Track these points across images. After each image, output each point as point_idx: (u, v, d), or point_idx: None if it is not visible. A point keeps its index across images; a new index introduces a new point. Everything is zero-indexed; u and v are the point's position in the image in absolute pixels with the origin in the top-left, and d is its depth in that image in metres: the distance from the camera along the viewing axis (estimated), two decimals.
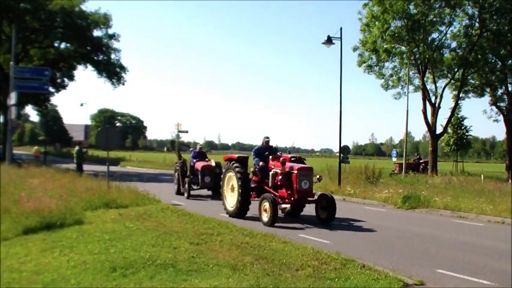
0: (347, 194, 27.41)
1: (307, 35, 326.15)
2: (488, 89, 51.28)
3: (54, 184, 20.52)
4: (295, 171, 17.27)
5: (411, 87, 49.29)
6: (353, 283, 9.12)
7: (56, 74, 53.98)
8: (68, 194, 18.66)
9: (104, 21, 50.37)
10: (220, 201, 20.35)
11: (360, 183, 29.85)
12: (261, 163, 18.86)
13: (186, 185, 25.52)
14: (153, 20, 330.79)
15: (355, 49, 48.15)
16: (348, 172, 34.47)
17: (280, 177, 17.78)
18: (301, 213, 19.35)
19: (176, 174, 27.41)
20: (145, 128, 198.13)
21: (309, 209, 18.82)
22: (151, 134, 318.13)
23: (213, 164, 25.84)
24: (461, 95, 50.03)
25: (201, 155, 27.30)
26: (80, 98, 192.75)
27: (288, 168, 17.55)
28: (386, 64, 49.31)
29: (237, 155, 20.08)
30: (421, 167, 49.55)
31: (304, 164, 18.80)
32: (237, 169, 18.64)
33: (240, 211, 18.44)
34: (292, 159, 19.00)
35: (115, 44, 52.91)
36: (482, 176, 36.08)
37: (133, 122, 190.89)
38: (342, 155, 32.73)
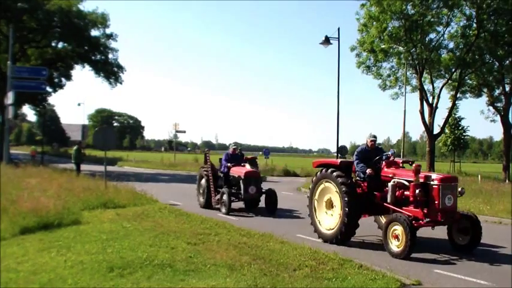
0: None
1: (305, 35, 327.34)
2: (485, 90, 51.36)
3: (52, 184, 20.49)
4: (437, 183, 12.74)
5: (409, 88, 49.41)
6: (350, 283, 9.13)
7: (54, 74, 53.75)
8: (66, 193, 18.66)
9: (102, 21, 50.30)
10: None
11: None
12: (368, 170, 14.12)
13: (225, 197, 19.83)
14: (151, 20, 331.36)
15: (352, 49, 48.26)
16: None
17: (406, 191, 13.22)
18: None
19: (203, 181, 21.81)
20: (142, 128, 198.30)
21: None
22: (149, 134, 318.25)
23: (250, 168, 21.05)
24: (458, 95, 50.16)
25: (235, 158, 21.71)
26: (78, 98, 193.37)
27: (423, 179, 13.05)
28: (384, 64, 49.45)
29: (339, 160, 16.38)
30: None
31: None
32: (340, 180, 13.92)
33: (344, 235, 13.85)
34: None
35: (112, 44, 52.85)
36: (479, 176, 36.10)
37: (131, 122, 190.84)
38: (339, 155, 32.74)
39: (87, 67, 53.64)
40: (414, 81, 50.08)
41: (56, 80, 55.83)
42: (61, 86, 57.04)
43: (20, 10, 44.35)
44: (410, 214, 12.75)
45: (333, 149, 42.37)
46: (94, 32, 51.62)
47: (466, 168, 64.34)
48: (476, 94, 52.80)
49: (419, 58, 45.59)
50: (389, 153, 15.22)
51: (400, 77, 49.17)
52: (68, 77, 56.96)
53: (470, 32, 45.78)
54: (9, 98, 33.08)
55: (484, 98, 52.69)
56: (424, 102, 47.50)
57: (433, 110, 47.41)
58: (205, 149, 25.57)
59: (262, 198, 21.08)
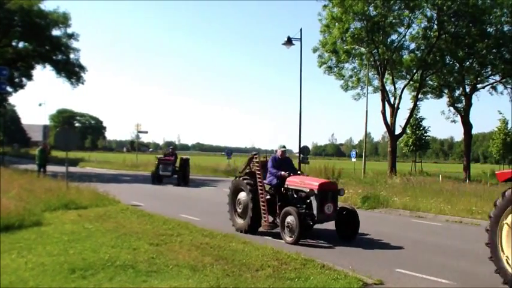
0: None
1: (267, 35, 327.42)
2: (446, 90, 51.89)
3: (13, 185, 20.23)
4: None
5: (370, 88, 49.72)
6: (313, 283, 9.18)
7: (14, 74, 53.17)
8: (27, 195, 18.48)
9: (63, 20, 49.92)
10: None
11: None
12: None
13: (292, 219, 14.06)
14: (112, 20, 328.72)
15: (315, 50, 48.42)
16: (307, 172, 34.57)
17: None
18: None
19: (242, 196, 16.16)
20: (104, 128, 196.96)
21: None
22: (111, 135, 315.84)
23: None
24: (419, 96, 50.65)
25: (285, 164, 16.10)
26: (39, 98, 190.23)
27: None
28: (346, 65, 49.74)
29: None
30: None
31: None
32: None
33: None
34: None
35: (74, 44, 52.53)
36: (440, 176, 36.49)
37: (93, 122, 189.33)
38: (301, 155, 32.89)
39: (48, 67, 53.26)
40: (376, 82, 50.52)
41: (17, 80, 55.19)
42: (22, 86, 56.42)
43: None
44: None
45: (295, 149, 42.60)
46: (55, 32, 51.34)
47: (428, 168, 64.89)
48: (437, 95, 53.32)
49: (381, 59, 46.00)
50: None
51: (362, 78, 49.49)
52: (29, 77, 56.34)
53: (431, 34, 46.37)
54: None
55: (445, 99, 53.28)
56: (386, 102, 47.91)
57: (394, 110, 47.85)
58: (253, 152, 17.19)
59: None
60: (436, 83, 51.67)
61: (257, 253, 11.35)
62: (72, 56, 52.49)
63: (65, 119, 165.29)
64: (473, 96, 50.30)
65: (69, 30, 51.58)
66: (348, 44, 44.86)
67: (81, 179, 25.41)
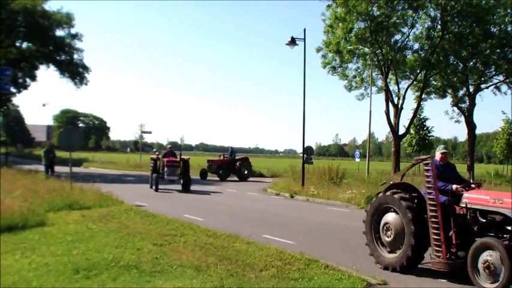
0: (310, 195, 27.51)
1: (270, 35, 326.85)
2: (450, 90, 51.83)
3: (16, 185, 20.24)
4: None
5: (374, 89, 49.70)
6: (317, 283, 9.17)
7: (18, 74, 53.22)
8: (30, 195, 18.44)
9: (67, 20, 49.99)
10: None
11: (324, 183, 29.94)
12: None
13: (500, 259, 9.37)
14: (116, 20, 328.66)
15: (318, 50, 48.25)
16: (311, 173, 34.62)
17: None
18: None
19: (390, 218, 11.68)
20: (108, 128, 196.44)
21: None
22: (115, 135, 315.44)
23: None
24: (423, 96, 50.59)
25: (450, 171, 11.78)
26: (42, 99, 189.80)
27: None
28: (350, 65, 49.54)
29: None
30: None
31: None
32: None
33: None
34: None
35: (78, 44, 52.69)
36: None
37: (96, 122, 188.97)
38: (305, 155, 32.87)
39: (52, 67, 53.34)
40: (380, 82, 50.37)
41: (20, 81, 55.24)
42: (25, 87, 56.47)
43: None
44: None
45: (299, 149, 42.63)
46: (59, 32, 51.46)
47: None
48: (440, 95, 53.29)
49: (385, 59, 45.88)
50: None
51: (366, 78, 49.39)
52: (33, 77, 56.42)
53: (435, 34, 46.22)
54: None
55: (449, 99, 53.23)
56: (390, 103, 47.77)
57: (398, 110, 47.73)
58: (422, 156, 11.15)
59: None
60: (439, 83, 51.58)
61: (261, 253, 11.32)
62: (75, 56, 52.70)
63: (68, 119, 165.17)
64: (477, 96, 50.27)
65: (73, 31, 51.82)
66: (352, 44, 44.76)
67: (84, 180, 25.38)
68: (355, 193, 25.68)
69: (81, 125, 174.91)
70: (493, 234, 9.97)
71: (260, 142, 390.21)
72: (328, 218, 19.66)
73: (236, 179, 41.94)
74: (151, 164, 30.90)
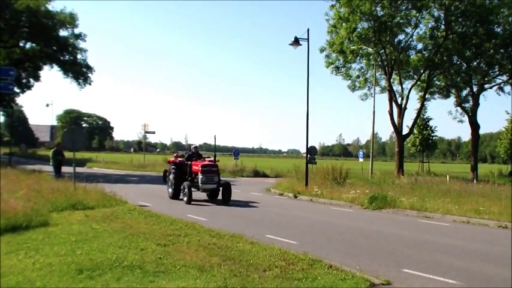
0: (314, 195, 27.50)
1: (273, 36, 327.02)
2: (453, 90, 51.94)
3: (20, 185, 20.26)
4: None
5: (378, 88, 49.73)
6: (320, 283, 9.15)
7: (21, 74, 53.33)
8: (34, 195, 18.47)
9: (70, 20, 50.02)
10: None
11: (327, 183, 29.96)
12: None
13: None
14: (120, 21, 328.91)
15: (322, 50, 48.32)
16: (314, 173, 34.59)
17: None
18: None
19: None
20: (112, 128, 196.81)
21: None
22: (118, 135, 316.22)
23: None
24: (427, 96, 50.72)
25: None
26: (46, 99, 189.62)
27: None
28: (353, 65, 49.75)
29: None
30: None
31: None
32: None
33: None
34: None
35: (81, 44, 52.66)
36: (447, 176, 36.42)
37: (100, 122, 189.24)
38: (309, 155, 32.87)
39: (56, 67, 53.44)
40: (383, 82, 50.56)
41: (24, 81, 55.35)
42: (29, 87, 56.56)
43: None
44: None
45: (303, 149, 42.67)
46: (62, 32, 51.51)
47: (435, 168, 64.90)
48: (444, 95, 53.39)
49: (389, 59, 45.94)
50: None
51: (369, 78, 49.50)
52: (36, 78, 56.49)
53: (439, 34, 46.32)
54: None
55: (452, 99, 53.40)
56: (393, 103, 47.88)
57: (401, 110, 47.81)
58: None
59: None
60: (443, 83, 51.70)
61: (264, 253, 11.32)
62: (79, 56, 52.70)
63: (72, 119, 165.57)
64: (481, 96, 50.56)
65: (77, 31, 51.81)
66: (355, 44, 44.79)
67: (88, 180, 25.37)
68: (358, 193, 25.69)
69: (84, 125, 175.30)
70: None
71: (264, 142, 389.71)
72: (331, 218, 19.66)
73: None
74: (173, 169, 25.29)
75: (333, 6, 45.86)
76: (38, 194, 18.96)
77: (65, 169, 29.71)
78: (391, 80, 47.81)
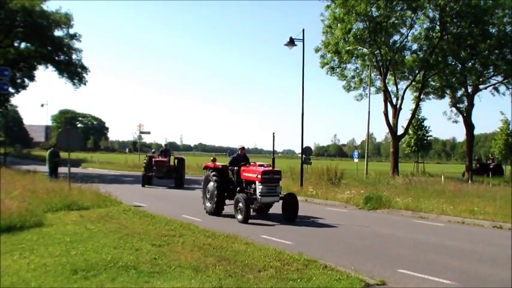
0: (309, 195, 27.47)
1: (269, 36, 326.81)
2: (448, 91, 51.96)
3: (15, 186, 20.24)
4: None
5: (373, 89, 49.85)
6: (315, 284, 9.17)
7: (16, 74, 53.23)
8: (29, 195, 18.46)
9: (65, 21, 49.96)
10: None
11: (322, 184, 29.98)
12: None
13: None
14: (114, 21, 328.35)
15: (317, 50, 48.35)
16: (310, 173, 34.61)
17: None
18: None
19: None
20: (107, 129, 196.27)
21: None
22: (113, 135, 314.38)
23: None
24: (421, 96, 50.73)
25: None
26: (41, 99, 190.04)
27: None
28: (349, 66, 49.79)
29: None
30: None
31: None
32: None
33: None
34: None
35: (76, 44, 52.63)
36: (442, 176, 36.46)
37: (95, 123, 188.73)
38: (304, 156, 32.85)
39: (51, 67, 53.37)
40: (378, 83, 50.69)
41: (19, 81, 55.24)
42: (24, 87, 56.46)
43: None
44: None
45: (298, 149, 42.67)
46: (57, 32, 51.44)
47: (430, 168, 64.90)
48: (439, 95, 53.45)
49: (384, 59, 45.98)
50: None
51: (365, 79, 49.63)
52: (31, 78, 56.41)
53: (434, 34, 46.39)
54: None
55: (447, 99, 53.36)
56: (388, 103, 47.95)
57: (397, 111, 47.86)
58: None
59: None
60: (438, 84, 51.76)
61: (259, 254, 11.33)
62: (74, 56, 52.66)
63: (67, 119, 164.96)
64: (476, 96, 50.40)
65: (72, 31, 51.76)
66: (350, 44, 44.78)
67: (83, 180, 25.39)
68: (353, 193, 25.73)
69: (79, 125, 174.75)
70: None
71: (259, 142, 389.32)
72: (326, 219, 19.65)
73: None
74: (214, 177, 21.06)
75: (328, 6, 45.89)
76: (33, 195, 18.95)
77: (60, 169, 29.65)
78: (386, 81, 47.92)
